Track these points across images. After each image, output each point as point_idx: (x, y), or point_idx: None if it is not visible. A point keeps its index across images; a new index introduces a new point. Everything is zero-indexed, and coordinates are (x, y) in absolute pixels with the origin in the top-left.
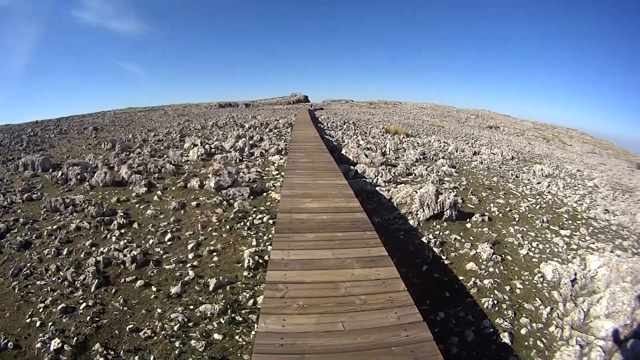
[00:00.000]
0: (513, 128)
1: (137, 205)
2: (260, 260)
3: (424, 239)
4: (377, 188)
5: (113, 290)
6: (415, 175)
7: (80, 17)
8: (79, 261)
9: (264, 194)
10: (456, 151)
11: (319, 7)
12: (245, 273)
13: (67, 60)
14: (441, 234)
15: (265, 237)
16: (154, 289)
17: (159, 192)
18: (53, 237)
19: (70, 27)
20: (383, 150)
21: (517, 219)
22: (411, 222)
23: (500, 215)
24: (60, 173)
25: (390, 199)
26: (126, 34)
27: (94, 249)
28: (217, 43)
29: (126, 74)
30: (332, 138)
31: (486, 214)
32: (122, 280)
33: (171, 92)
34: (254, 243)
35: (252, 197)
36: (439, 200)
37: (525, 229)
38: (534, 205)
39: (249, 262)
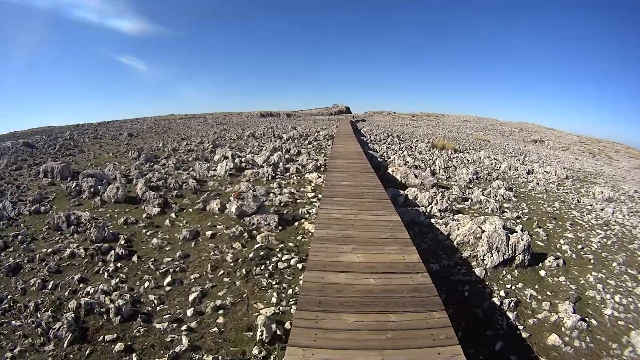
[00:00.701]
0: (558, 142)
1: (144, 230)
2: (279, 331)
3: (495, 299)
4: (433, 220)
5: (87, 351)
6: (472, 200)
7: (119, 26)
8: (61, 301)
9: (296, 223)
10: (509, 169)
11: (361, 20)
12: (255, 351)
13: (108, 68)
14: (514, 287)
15: (290, 291)
16: (134, 358)
17: (172, 215)
18: (44, 264)
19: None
20: (432, 169)
21: (592, 261)
22: (477, 270)
23: (574, 256)
24: (74, 184)
25: (448, 235)
26: (170, 41)
27: (81, 285)
28: (259, 52)
29: (168, 83)
30: (376, 153)
31: (559, 255)
32: (101, 337)
33: (214, 100)
34: (274, 300)
35: (280, 227)
36: (510, 243)
37: (603, 276)
38: (604, 240)
39: (262, 332)
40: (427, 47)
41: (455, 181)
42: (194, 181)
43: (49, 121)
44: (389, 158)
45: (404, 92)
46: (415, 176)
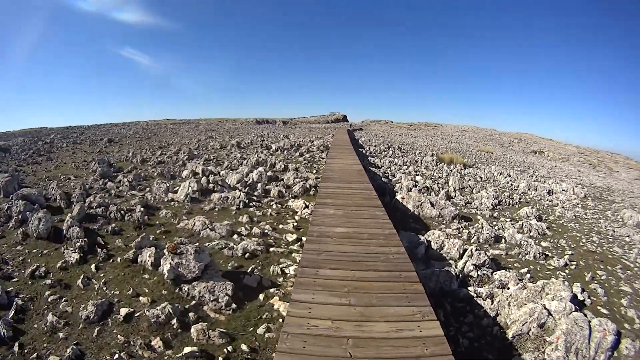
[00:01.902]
0: (557, 153)
1: (47, 292)
2: None
3: None
4: (471, 290)
5: None
6: (507, 241)
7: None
8: None
9: (261, 296)
10: (528, 189)
11: (359, 29)
12: None
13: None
14: None
15: None
16: None
17: (92, 267)
18: None
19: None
20: (447, 190)
21: None
22: None
23: None
24: (6, 206)
25: (496, 317)
26: (174, 34)
27: None
28: (260, 60)
29: (171, 77)
30: (378, 170)
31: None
32: None
33: (217, 100)
34: None
35: (234, 305)
36: (593, 339)
37: None
38: None
39: None
40: (424, 56)
41: (477, 208)
42: (142, 209)
43: (47, 122)
44: (394, 177)
45: (400, 101)
46: (432, 205)
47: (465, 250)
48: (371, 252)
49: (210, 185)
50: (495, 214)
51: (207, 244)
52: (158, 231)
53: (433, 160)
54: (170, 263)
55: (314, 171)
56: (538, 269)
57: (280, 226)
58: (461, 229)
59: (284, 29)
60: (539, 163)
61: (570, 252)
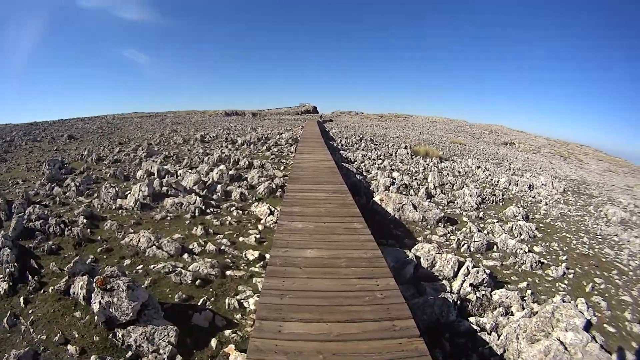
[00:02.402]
0: (528, 144)
1: None
2: None
3: None
4: (472, 322)
5: None
6: (499, 248)
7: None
8: None
9: (214, 341)
10: (509, 184)
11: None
12: None
13: (82, 59)
14: None
15: None
16: None
17: (21, 300)
18: None
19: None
20: (426, 187)
21: None
22: None
23: None
24: None
25: (502, 356)
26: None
27: None
28: (228, 51)
29: (138, 69)
30: (351, 165)
31: None
32: None
33: (183, 97)
34: None
35: (180, 357)
36: None
37: None
38: None
39: None
40: (393, 48)
41: (460, 207)
42: (85, 221)
43: (46, 115)
44: (369, 173)
45: (370, 91)
46: (414, 207)
47: (460, 265)
48: (352, 288)
49: (164, 189)
50: (481, 214)
51: (152, 266)
52: (99, 249)
53: (408, 153)
54: (100, 302)
55: (282, 167)
56: (537, 280)
57: (241, 239)
58: (448, 234)
59: (255, 21)
60: (512, 155)
61: (564, 258)
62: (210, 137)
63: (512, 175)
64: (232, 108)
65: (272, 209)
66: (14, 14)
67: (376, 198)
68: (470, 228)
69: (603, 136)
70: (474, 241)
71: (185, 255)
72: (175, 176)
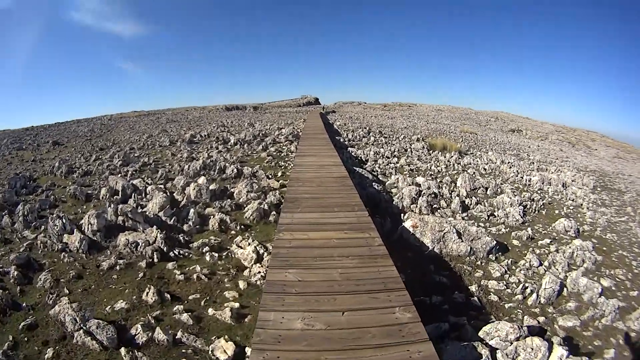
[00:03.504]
0: (535, 131)
1: None
2: None
3: None
4: None
5: None
6: (574, 296)
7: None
8: None
9: None
10: (542, 183)
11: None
12: None
13: (78, 64)
14: None
15: None
16: None
17: None
18: None
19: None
20: (458, 194)
21: None
22: None
23: None
24: None
25: None
26: (134, 36)
27: None
28: (228, 44)
29: (133, 77)
30: (364, 166)
31: None
32: None
33: (185, 94)
34: None
35: None
36: None
37: None
38: None
39: None
40: (395, 36)
41: (504, 223)
42: (16, 274)
43: (47, 119)
44: (386, 176)
45: (373, 81)
46: (459, 235)
47: (550, 350)
48: None
49: (120, 219)
50: (529, 231)
51: None
52: (22, 324)
53: (424, 147)
54: None
55: (280, 173)
56: (621, 342)
57: (211, 311)
58: (505, 274)
59: (254, 15)
60: (525, 144)
61: (636, 293)
62: (201, 136)
63: (537, 169)
64: (234, 102)
65: (260, 251)
66: (15, 16)
67: (407, 224)
68: (530, 261)
69: (604, 120)
70: (544, 288)
71: (123, 352)
72: (143, 195)
